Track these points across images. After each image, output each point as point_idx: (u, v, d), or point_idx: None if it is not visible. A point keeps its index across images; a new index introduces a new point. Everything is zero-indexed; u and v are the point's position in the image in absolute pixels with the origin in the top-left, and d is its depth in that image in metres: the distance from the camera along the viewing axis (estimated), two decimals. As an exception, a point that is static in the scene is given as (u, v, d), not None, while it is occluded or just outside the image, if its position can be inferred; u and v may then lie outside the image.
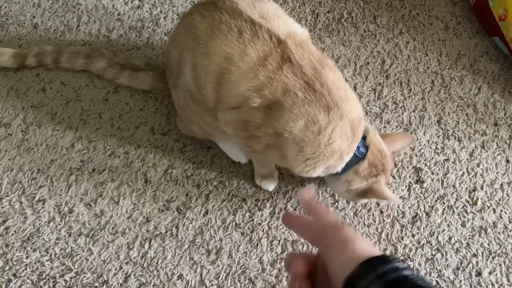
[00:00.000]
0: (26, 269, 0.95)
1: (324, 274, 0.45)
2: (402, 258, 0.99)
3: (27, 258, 0.96)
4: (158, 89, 1.10)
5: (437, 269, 0.98)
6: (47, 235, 0.98)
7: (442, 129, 1.14)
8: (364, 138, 0.86)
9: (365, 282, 0.40)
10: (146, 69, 1.09)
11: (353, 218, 1.02)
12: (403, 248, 1.00)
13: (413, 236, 1.02)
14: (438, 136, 1.13)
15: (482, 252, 1.01)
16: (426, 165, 1.09)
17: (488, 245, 1.02)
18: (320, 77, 0.78)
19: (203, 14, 0.83)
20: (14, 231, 0.98)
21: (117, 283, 0.94)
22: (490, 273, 0.99)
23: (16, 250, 0.97)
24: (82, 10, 1.25)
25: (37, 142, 1.08)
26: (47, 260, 0.96)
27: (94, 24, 1.23)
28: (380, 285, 0.40)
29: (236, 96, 0.80)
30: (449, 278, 0.98)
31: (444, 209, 1.05)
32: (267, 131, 0.80)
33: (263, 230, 1.00)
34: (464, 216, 1.04)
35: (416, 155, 1.10)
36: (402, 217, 1.03)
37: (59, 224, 0.99)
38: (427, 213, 1.04)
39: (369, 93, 1.17)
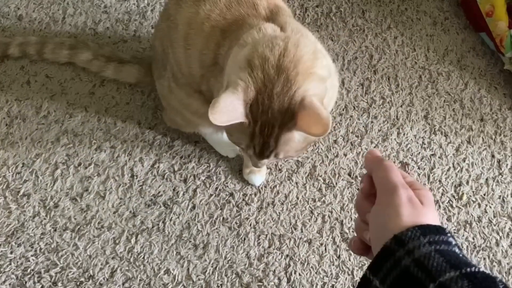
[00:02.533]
0: (10, 264, 0.94)
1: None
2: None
3: (11, 253, 0.95)
4: (144, 83, 1.09)
5: (422, 263, 0.99)
6: (32, 230, 0.97)
7: (429, 124, 1.15)
8: None
9: (416, 243, 0.39)
10: (132, 62, 1.08)
11: (340, 213, 1.02)
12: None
13: (399, 230, 1.02)
14: (425, 131, 1.14)
15: (467, 246, 1.02)
16: (412, 160, 1.10)
17: (473, 239, 1.03)
18: None
19: None
20: (-2, 226, 0.97)
21: (103, 278, 0.94)
22: (474, 266, 1.00)
23: (0, 245, 0.95)
24: (68, 2, 1.23)
25: (21, 135, 1.06)
26: (32, 255, 0.95)
27: (80, 17, 1.21)
28: (432, 250, 0.39)
29: (197, 58, 0.81)
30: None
31: (430, 203, 1.05)
32: (219, 73, 0.80)
33: (250, 225, 1.00)
34: (449, 211, 1.05)
35: (403, 150, 1.11)
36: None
37: (44, 218, 0.98)
38: (413, 208, 1.05)
39: (357, 88, 1.17)
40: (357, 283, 0.42)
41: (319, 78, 0.67)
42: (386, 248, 0.41)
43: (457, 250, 0.40)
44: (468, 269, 0.37)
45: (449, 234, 0.41)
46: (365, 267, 0.96)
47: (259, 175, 1.03)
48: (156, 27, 0.96)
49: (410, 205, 0.43)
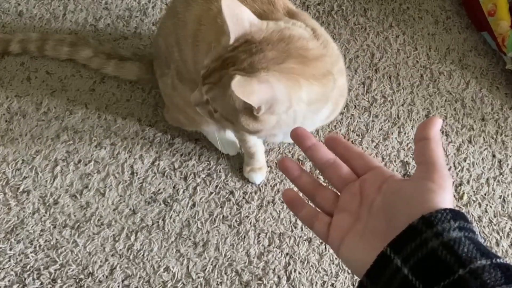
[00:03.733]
0: (9, 260, 0.94)
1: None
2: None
3: (10, 249, 0.95)
4: (145, 80, 1.08)
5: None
6: (32, 226, 0.97)
7: (430, 123, 1.14)
8: None
9: (445, 226, 0.37)
10: (132, 59, 1.07)
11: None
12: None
13: (399, 229, 1.02)
14: (426, 131, 1.13)
15: (467, 246, 1.02)
16: (413, 159, 1.09)
17: (473, 239, 1.03)
18: None
19: None
20: (-2, 222, 0.97)
21: (103, 275, 0.94)
22: (474, 266, 1.00)
23: (0, 241, 0.95)
24: (69, -2, 1.23)
25: (21, 132, 1.06)
26: (31, 252, 0.95)
27: (81, 13, 1.21)
28: (462, 236, 0.37)
29: (206, 53, 0.80)
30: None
31: (430, 203, 1.05)
32: None
33: (250, 223, 1.00)
34: (450, 210, 1.05)
35: (404, 149, 1.10)
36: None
37: (44, 215, 0.98)
38: (413, 207, 1.04)
39: (358, 87, 1.17)
40: (373, 261, 0.39)
41: (291, 91, 0.63)
42: (413, 228, 0.38)
43: (481, 241, 0.38)
44: (499, 260, 0.35)
45: (472, 224, 0.39)
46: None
47: (259, 173, 1.02)
48: (160, 25, 0.95)
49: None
